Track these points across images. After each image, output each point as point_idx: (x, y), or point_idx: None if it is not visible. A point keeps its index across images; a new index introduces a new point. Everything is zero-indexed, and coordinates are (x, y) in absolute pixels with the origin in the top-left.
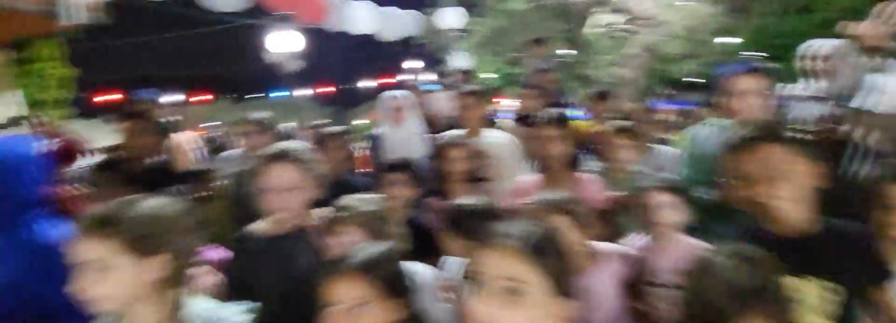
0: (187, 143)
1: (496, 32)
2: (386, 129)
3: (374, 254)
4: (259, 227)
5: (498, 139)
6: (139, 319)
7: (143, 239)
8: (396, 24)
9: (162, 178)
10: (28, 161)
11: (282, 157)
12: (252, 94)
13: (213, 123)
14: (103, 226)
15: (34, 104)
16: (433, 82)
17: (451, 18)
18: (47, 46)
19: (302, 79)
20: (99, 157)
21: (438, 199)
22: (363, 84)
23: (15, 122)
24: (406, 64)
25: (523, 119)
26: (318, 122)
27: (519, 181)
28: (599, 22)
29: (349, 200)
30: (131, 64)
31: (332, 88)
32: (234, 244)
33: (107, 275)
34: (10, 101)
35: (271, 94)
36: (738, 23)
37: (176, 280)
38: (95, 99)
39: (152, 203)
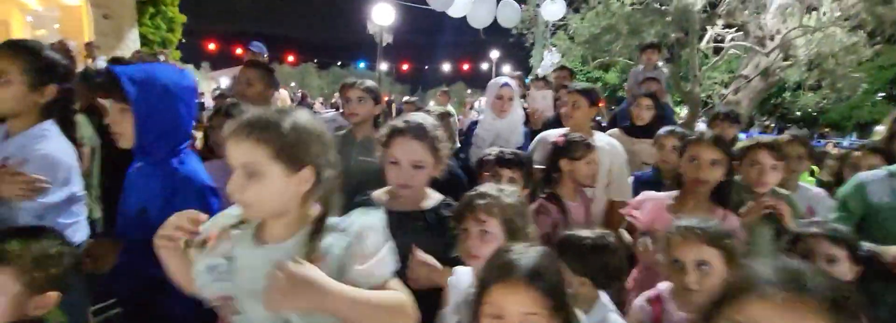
0: (285, 99)
1: (602, 30)
2: (487, 117)
3: (543, 261)
4: (379, 197)
5: (610, 146)
6: (279, 231)
7: (294, 148)
8: (490, 11)
9: None
10: (187, 93)
11: (413, 131)
12: (335, 61)
13: (291, 85)
14: (258, 130)
15: (147, 43)
16: (520, 77)
17: (552, 11)
18: None
19: (386, 53)
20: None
21: (552, 202)
22: (441, 66)
23: (139, 56)
24: (489, 53)
25: (630, 128)
26: (408, 98)
27: (648, 198)
28: (712, 36)
29: (489, 188)
30: (230, 17)
31: (408, 66)
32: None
33: (257, 180)
34: (133, 36)
35: (355, 66)
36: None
37: (321, 197)
38: (197, 46)
39: (303, 116)
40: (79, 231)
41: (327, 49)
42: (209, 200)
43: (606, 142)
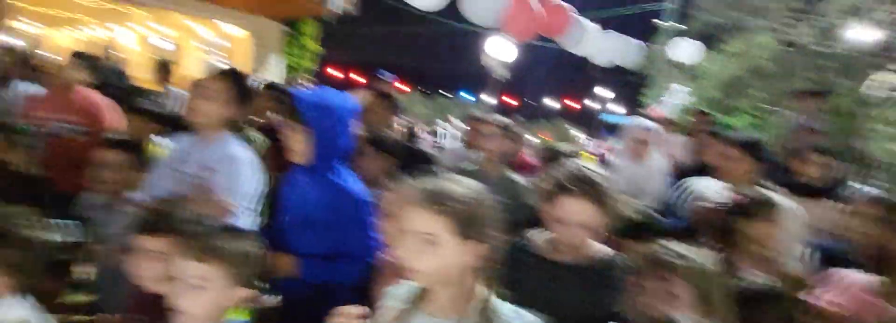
0: (398, 129)
1: (745, 72)
2: (622, 162)
3: None
4: (537, 242)
5: (790, 208)
6: (442, 302)
7: (472, 222)
8: (614, 49)
9: (405, 155)
10: (352, 116)
11: (584, 192)
12: (438, 90)
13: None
14: (440, 202)
15: (291, 70)
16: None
17: (686, 52)
18: (311, 25)
19: (493, 85)
20: None
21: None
22: (543, 100)
23: (287, 82)
24: (593, 89)
25: (793, 186)
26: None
27: (842, 278)
28: (881, 83)
29: (679, 246)
30: (352, 49)
31: (508, 98)
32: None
33: (429, 250)
34: (280, 64)
35: (458, 95)
36: None
37: (486, 271)
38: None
39: (480, 187)
40: (248, 220)
41: (431, 77)
42: (366, 213)
43: (783, 202)
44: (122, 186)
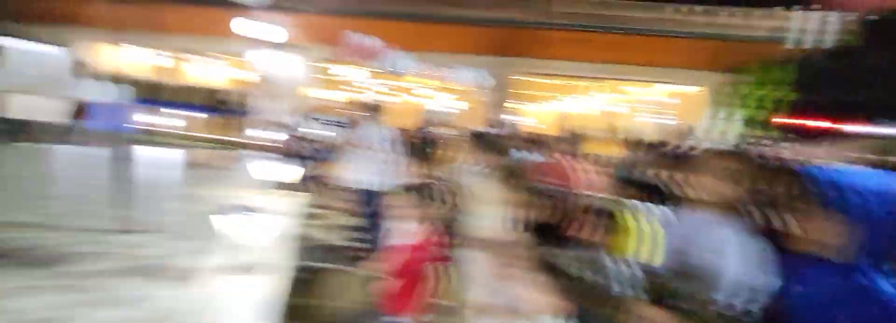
0: None
1: None
2: None
3: None
4: None
5: None
6: None
7: None
8: None
9: None
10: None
11: None
12: None
13: None
14: None
15: (749, 123)
16: None
17: None
18: (776, 71)
19: None
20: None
21: None
22: None
23: (741, 140)
24: None
25: None
26: None
27: None
28: None
29: None
30: (846, 89)
31: None
32: None
33: None
34: (735, 118)
35: None
36: None
37: None
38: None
39: None
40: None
41: None
42: None
43: None
44: (601, 240)
